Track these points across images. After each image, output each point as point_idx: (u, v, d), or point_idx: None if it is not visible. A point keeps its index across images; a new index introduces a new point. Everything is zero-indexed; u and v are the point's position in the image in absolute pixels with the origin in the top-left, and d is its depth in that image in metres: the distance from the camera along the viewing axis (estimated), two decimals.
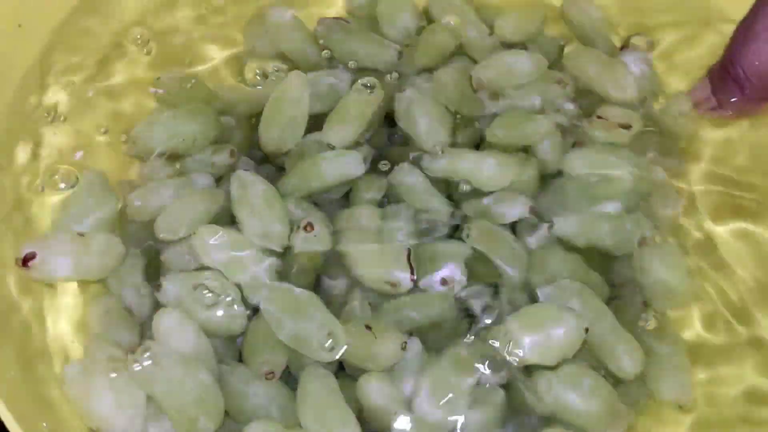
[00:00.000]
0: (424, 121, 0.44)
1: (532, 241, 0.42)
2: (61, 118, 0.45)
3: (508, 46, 0.48)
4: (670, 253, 0.42)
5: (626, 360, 0.39)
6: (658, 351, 0.41)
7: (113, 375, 0.36)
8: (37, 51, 0.43)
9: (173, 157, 0.44)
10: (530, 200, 0.43)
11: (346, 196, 0.45)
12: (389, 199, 0.44)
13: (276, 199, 0.42)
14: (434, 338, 0.40)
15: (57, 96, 0.45)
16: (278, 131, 0.44)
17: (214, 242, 0.39)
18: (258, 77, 0.49)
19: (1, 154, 0.42)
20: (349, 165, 0.43)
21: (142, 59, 0.48)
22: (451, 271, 0.41)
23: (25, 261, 0.37)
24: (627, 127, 0.44)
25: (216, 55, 0.50)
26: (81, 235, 0.39)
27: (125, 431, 0.36)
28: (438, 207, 0.43)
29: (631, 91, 0.46)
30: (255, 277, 0.39)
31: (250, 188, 0.42)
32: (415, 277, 0.40)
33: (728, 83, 0.41)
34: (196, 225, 0.40)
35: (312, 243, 0.41)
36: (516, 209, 0.43)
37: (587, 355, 0.39)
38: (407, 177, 0.43)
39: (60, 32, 0.44)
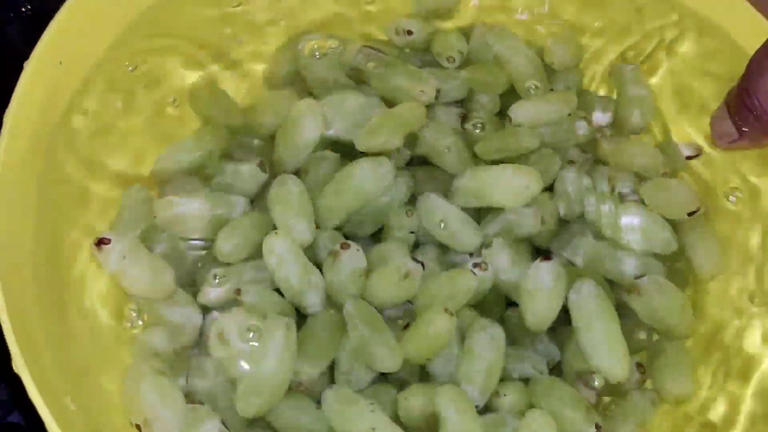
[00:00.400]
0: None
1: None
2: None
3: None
4: (666, 290, 0.45)
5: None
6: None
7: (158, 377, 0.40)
8: (76, 86, 0.44)
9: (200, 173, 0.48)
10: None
11: (376, 233, 0.47)
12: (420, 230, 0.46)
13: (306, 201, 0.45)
14: None
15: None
16: (287, 153, 0.47)
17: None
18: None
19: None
20: (382, 173, 0.45)
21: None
22: None
23: (99, 243, 0.41)
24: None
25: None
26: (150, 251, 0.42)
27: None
28: (467, 240, 0.45)
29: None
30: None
31: (288, 186, 0.45)
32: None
33: (744, 113, 0.41)
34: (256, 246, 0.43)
35: (354, 259, 0.43)
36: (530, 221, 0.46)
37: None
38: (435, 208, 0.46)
39: (99, 68, 0.45)
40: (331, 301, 0.44)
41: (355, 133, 0.46)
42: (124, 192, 0.46)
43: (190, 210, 0.45)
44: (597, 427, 0.41)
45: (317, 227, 0.45)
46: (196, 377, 0.42)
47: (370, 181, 0.45)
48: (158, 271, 0.43)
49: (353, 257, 0.43)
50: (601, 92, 0.54)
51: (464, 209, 0.46)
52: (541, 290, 0.44)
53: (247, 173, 0.47)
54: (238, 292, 0.43)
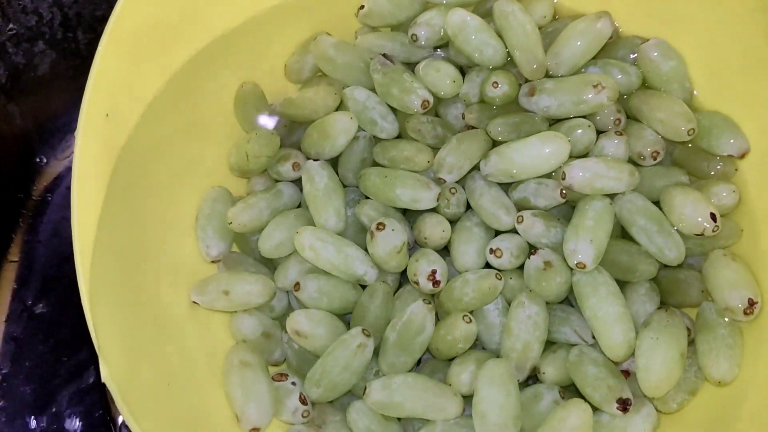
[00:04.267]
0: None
1: None
2: None
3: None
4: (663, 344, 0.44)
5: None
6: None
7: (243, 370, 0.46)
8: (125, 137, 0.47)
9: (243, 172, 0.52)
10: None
11: None
12: None
13: (335, 193, 0.49)
14: None
15: None
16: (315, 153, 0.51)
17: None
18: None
19: None
20: (423, 199, 0.48)
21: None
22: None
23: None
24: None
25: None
26: (226, 293, 0.48)
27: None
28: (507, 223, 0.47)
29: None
30: None
31: (316, 180, 0.49)
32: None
33: None
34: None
35: (391, 238, 0.46)
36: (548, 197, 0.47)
37: None
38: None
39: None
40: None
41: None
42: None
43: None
44: (620, 401, 0.42)
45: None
46: (284, 352, 0.48)
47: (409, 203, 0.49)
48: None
49: (388, 237, 0.46)
50: None
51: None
52: None
53: (285, 173, 0.51)
54: (296, 287, 0.46)
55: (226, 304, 0.48)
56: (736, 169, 0.49)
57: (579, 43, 0.50)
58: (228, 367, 0.47)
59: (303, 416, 0.46)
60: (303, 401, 0.46)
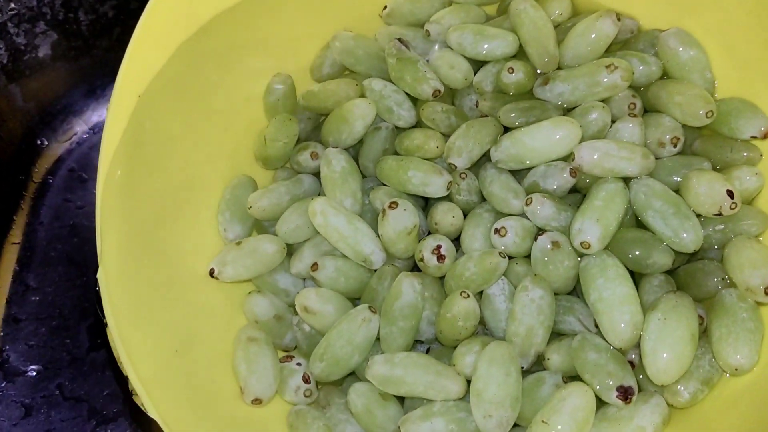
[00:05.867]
0: None
1: None
2: None
3: None
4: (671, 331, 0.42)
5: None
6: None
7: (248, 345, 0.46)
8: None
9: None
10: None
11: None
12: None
13: (352, 176, 0.49)
14: None
15: None
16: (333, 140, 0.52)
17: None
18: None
19: None
20: (434, 184, 0.48)
21: None
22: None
23: (211, 273, 0.49)
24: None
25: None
26: (238, 243, 0.49)
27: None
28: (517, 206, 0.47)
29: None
30: None
31: (333, 163, 0.49)
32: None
33: None
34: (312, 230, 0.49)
35: (402, 218, 0.46)
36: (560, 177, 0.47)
37: None
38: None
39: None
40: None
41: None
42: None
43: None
44: (620, 389, 0.41)
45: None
46: (293, 335, 0.49)
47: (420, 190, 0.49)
48: None
49: (400, 216, 0.46)
50: None
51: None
52: None
53: (303, 162, 0.52)
54: (314, 266, 0.47)
55: (238, 256, 0.48)
56: (761, 155, 0.48)
57: (581, 43, 0.50)
58: (236, 343, 0.47)
59: (305, 395, 0.46)
60: (306, 380, 0.46)
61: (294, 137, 0.52)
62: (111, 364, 0.59)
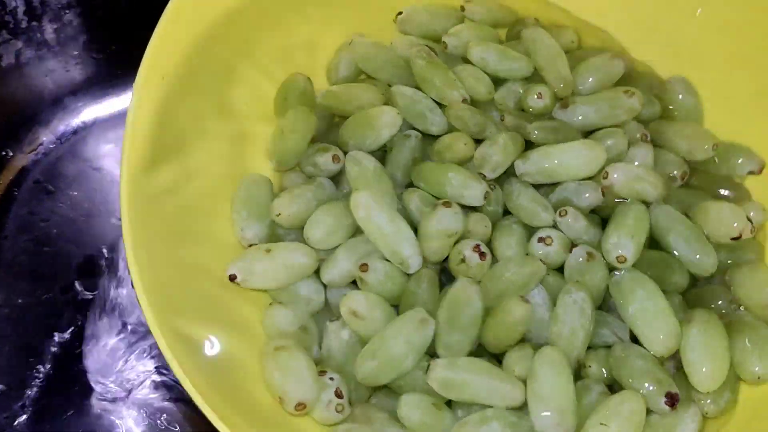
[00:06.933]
0: None
1: None
2: None
3: None
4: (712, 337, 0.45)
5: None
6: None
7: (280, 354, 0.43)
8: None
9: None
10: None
11: None
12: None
13: (384, 176, 0.48)
14: None
15: None
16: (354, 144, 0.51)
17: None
18: None
19: None
20: (473, 188, 0.48)
21: None
22: None
23: (232, 279, 0.45)
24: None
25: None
26: (268, 251, 0.46)
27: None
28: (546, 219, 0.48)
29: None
30: None
31: (365, 163, 0.48)
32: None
33: None
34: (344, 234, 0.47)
35: (451, 219, 0.46)
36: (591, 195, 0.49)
37: None
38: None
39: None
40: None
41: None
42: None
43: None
44: (668, 395, 0.42)
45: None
46: (327, 345, 0.46)
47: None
48: None
49: (449, 217, 0.46)
50: None
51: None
52: None
53: (323, 164, 0.50)
54: (364, 267, 0.45)
55: (269, 268, 0.45)
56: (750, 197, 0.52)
57: (596, 76, 0.53)
58: (264, 358, 0.44)
59: (337, 410, 0.43)
60: (339, 395, 0.44)
61: (311, 131, 0.50)
62: (78, 381, 0.55)
